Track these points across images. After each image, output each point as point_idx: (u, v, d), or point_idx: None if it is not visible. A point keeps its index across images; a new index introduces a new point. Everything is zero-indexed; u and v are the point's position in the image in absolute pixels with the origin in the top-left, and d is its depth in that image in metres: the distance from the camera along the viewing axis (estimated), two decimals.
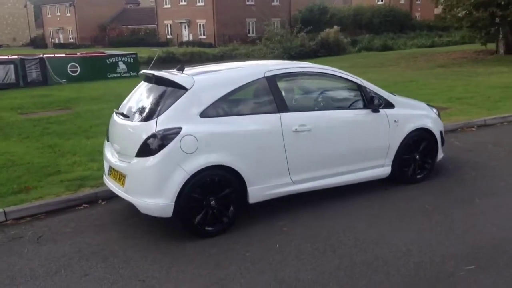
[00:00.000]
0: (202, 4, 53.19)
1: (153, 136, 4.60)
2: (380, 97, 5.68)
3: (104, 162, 5.52)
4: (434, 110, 6.42)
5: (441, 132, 6.26)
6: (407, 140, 5.87)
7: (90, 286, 4.00)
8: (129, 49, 33.59)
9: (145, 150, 4.63)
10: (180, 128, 4.60)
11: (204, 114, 4.76)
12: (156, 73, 5.16)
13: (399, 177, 5.90)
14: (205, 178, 4.67)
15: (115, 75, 21.53)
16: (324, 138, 5.31)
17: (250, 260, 4.29)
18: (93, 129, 9.80)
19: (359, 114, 5.61)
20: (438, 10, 69.95)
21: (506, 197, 5.53)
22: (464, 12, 18.78)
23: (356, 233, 4.73)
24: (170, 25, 58.04)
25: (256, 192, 4.97)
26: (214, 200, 4.74)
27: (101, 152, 7.76)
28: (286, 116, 5.11)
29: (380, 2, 64.61)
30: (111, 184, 5.25)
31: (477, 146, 7.66)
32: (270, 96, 5.13)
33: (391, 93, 6.10)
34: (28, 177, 6.76)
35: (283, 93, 5.31)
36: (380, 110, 5.66)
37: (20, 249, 4.77)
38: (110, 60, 21.68)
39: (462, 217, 5.01)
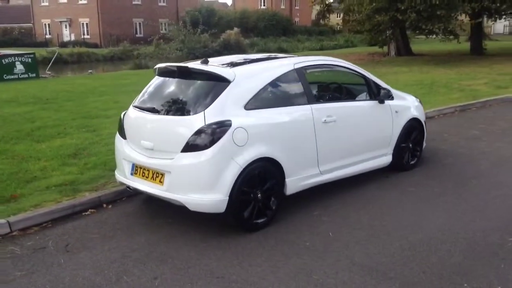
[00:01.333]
0: (85, 2, 50.57)
1: (204, 129, 4.45)
2: (385, 89, 6.04)
3: (123, 162, 5.17)
4: (418, 100, 6.95)
5: (424, 122, 6.80)
6: (404, 130, 6.30)
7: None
8: (5, 49, 30.83)
9: (195, 144, 4.46)
10: (230, 121, 4.52)
11: (247, 106, 4.71)
12: (191, 65, 4.98)
13: (397, 165, 6.31)
14: (254, 171, 4.63)
15: (12, 76, 19.74)
16: (345, 129, 5.52)
17: (315, 249, 4.35)
18: (38, 133, 9.00)
19: (370, 105, 5.92)
20: (313, 16, 74.14)
21: (496, 176, 6.16)
22: (364, 15, 20.18)
23: (393, 218, 5.00)
24: (49, 24, 54.38)
25: (292, 184, 5.04)
26: (260, 193, 4.72)
27: (69, 155, 7.30)
28: (316, 108, 5.24)
29: (263, 7, 66.77)
30: (138, 184, 4.96)
31: (434, 136, 8.39)
32: (300, 88, 5.23)
33: None
34: (4, 185, 6.09)
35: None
36: (385, 101, 6.02)
37: (54, 260, 4.34)
38: (6, 61, 19.82)
39: (472, 195, 5.53)
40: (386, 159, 6.16)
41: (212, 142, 4.43)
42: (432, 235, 4.57)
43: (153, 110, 4.97)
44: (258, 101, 4.82)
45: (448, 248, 4.30)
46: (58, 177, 6.37)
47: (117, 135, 5.40)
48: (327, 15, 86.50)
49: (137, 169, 4.99)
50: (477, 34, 22.61)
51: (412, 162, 6.52)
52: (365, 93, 6.00)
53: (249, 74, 4.95)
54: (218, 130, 4.44)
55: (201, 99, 4.75)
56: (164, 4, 55.45)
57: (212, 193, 4.46)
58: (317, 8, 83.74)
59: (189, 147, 4.49)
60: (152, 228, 4.97)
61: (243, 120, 4.60)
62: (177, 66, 5.09)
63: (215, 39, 28.60)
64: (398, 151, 6.25)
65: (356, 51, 29.64)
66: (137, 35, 50.67)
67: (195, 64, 5.02)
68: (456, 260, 4.07)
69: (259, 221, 4.75)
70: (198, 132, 4.47)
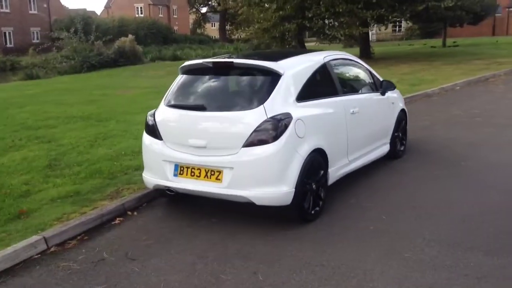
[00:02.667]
0: None
1: (268, 123, 4.44)
2: (387, 81, 6.46)
3: (162, 164, 4.90)
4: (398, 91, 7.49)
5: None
6: (397, 119, 6.78)
7: (277, 281, 3.75)
8: None
9: (260, 138, 4.43)
10: (290, 113, 4.56)
11: (298, 99, 4.79)
12: (238, 61, 4.90)
13: (392, 153, 6.76)
14: (311, 162, 4.71)
15: None
16: (364, 120, 5.81)
17: (385, 232, 4.52)
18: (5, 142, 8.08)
19: (377, 97, 6.28)
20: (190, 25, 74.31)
21: (485, 158, 6.82)
22: (268, 24, 20.86)
23: (427, 198, 5.35)
24: None
25: (332, 174, 5.20)
26: (314, 184, 4.82)
27: (45, 167, 6.68)
28: (345, 99, 5.47)
29: (141, 15, 65.47)
30: (185, 184, 4.75)
31: None
32: (332, 80, 5.42)
33: None
34: None
35: None
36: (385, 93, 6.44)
37: (125, 269, 4.04)
38: None
39: (471, 176, 6.11)
40: (386, 147, 6.57)
41: (278, 135, 4.43)
42: (476, 208, 5.01)
43: (200, 108, 4.81)
44: (304, 93, 4.90)
45: (494, 217, 4.76)
46: (55, 189, 5.84)
47: (148, 137, 5.12)
48: (203, 24, 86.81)
49: (183, 169, 4.79)
50: (366, 39, 24.51)
51: (401, 150, 7.02)
52: (373, 85, 6.33)
53: (294, 67, 5.01)
54: (282, 123, 4.46)
55: (255, 94, 4.73)
56: (35, 12, 51.75)
57: (280, 186, 4.46)
58: (193, 17, 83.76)
59: (253, 142, 4.44)
60: (203, 228, 4.80)
61: (298, 112, 4.66)
62: (219, 62, 4.99)
63: (109, 46, 27.45)
64: (393, 140, 6.70)
65: None
66: (7, 45, 46.64)
67: (242, 59, 4.96)
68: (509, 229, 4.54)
69: (313, 212, 4.84)
70: (262, 126, 4.44)
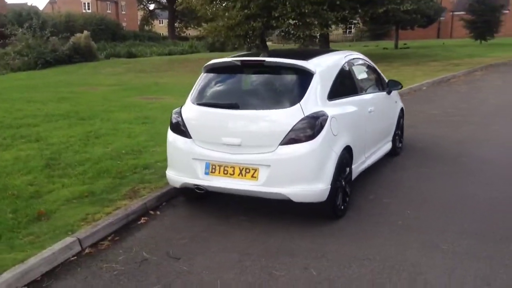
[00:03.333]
0: None
1: (306, 121, 4.51)
2: (394, 81, 6.66)
3: (192, 162, 4.85)
4: None
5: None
6: (398, 118, 7.01)
7: (331, 275, 3.83)
8: None
9: (298, 136, 4.49)
10: (325, 112, 4.64)
11: (329, 97, 4.88)
12: (270, 59, 4.91)
13: (393, 150, 6.99)
14: (341, 159, 4.82)
15: None
16: (378, 118, 5.98)
17: (415, 226, 4.68)
18: None
19: (385, 96, 6.48)
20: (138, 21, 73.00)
21: (479, 154, 7.15)
22: (233, 22, 20.86)
23: (437, 194, 5.58)
24: None
25: (354, 170, 5.33)
26: (343, 181, 4.93)
27: (44, 167, 6.44)
28: (364, 98, 5.62)
29: (88, 11, 63.63)
30: (218, 182, 4.74)
31: None
32: (353, 79, 5.55)
33: None
34: (8, 202, 5.23)
35: None
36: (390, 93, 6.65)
37: (174, 268, 4.01)
38: None
39: (473, 171, 6.42)
40: (390, 145, 6.78)
41: (315, 134, 4.51)
42: (486, 200, 5.29)
43: (234, 106, 4.81)
44: (334, 92, 5.00)
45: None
46: (66, 189, 5.65)
47: (174, 136, 5.05)
48: (151, 21, 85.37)
49: (215, 168, 4.77)
50: (326, 40, 24.98)
51: (400, 147, 7.27)
52: (377, 84, 6.51)
53: (324, 65, 5.09)
54: (319, 121, 4.54)
55: (288, 92, 4.78)
56: None
57: (317, 183, 4.54)
58: (141, 13, 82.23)
59: (291, 139, 4.50)
60: (235, 226, 4.81)
61: (331, 110, 4.75)
62: (249, 61, 5.01)
63: (64, 43, 26.48)
64: (394, 137, 6.93)
65: (211, 56, 30.37)
66: None
67: (273, 58, 4.99)
68: None
69: (343, 208, 4.95)
70: (299, 125, 4.50)
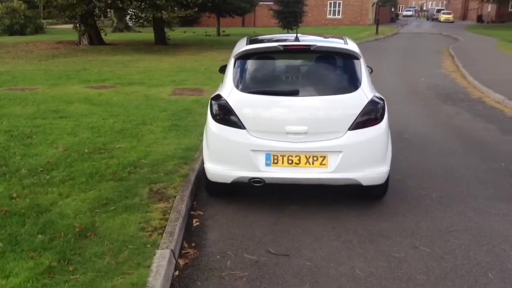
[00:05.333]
0: None
1: (372, 105, 4.62)
2: None
3: (250, 154, 4.57)
4: None
5: None
6: None
7: (443, 250, 4.11)
8: None
9: (366, 120, 4.59)
10: (379, 95, 4.82)
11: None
12: (318, 44, 4.81)
13: None
14: None
15: None
16: None
17: (455, 202, 5.09)
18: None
19: None
20: None
21: (416, 131, 8.01)
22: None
23: (466, 184, 5.67)
24: None
25: None
26: None
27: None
28: None
29: None
30: (282, 173, 4.57)
31: None
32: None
33: None
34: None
35: None
36: None
37: (299, 265, 3.85)
38: None
39: (421, 144, 7.28)
40: None
41: (380, 117, 4.67)
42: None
43: (293, 93, 4.67)
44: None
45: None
46: (70, 198, 4.82)
47: (223, 128, 4.67)
48: None
49: (277, 158, 4.59)
50: (160, 25, 24.37)
51: None
52: None
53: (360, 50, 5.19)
54: (381, 104, 4.69)
55: (345, 77, 4.84)
56: None
57: (383, 165, 4.71)
58: None
59: (360, 124, 4.57)
60: (297, 216, 4.74)
61: (378, 94, 4.94)
62: (293, 46, 4.90)
63: None
64: None
65: (40, 39, 27.07)
66: None
67: (320, 43, 4.92)
68: None
69: None
70: (366, 109, 4.60)
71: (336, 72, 4.97)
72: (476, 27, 47.53)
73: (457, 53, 20.72)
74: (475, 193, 5.34)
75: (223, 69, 5.57)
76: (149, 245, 3.87)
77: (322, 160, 4.58)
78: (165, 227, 4.19)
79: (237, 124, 4.64)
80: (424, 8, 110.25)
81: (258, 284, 3.57)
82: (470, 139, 7.66)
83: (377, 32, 35.53)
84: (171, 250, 3.80)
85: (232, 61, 4.97)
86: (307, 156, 4.58)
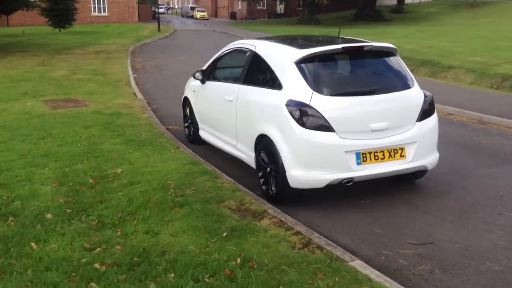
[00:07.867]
0: None
1: (427, 97, 5.20)
2: None
3: (342, 156, 4.70)
4: None
5: None
6: None
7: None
8: None
9: (427, 111, 5.15)
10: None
11: None
12: (368, 44, 5.18)
13: None
14: None
15: None
16: None
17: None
18: None
19: None
20: None
21: None
22: None
23: (472, 182, 5.90)
24: None
25: None
26: None
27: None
28: None
29: None
30: (371, 170, 4.82)
31: None
32: None
33: None
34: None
35: None
36: None
37: (459, 254, 4.16)
38: None
39: None
40: None
41: (433, 107, 5.29)
42: None
43: (371, 92, 4.94)
44: None
45: None
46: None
47: (313, 133, 4.68)
48: None
49: (365, 156, 4.79)
50: None
51: None
52: None
53: None
54: (431, 96, 5.31)
55: (399, 73, 5.26)
56: None
57: (436, 151, 5.33)
58: None
59: (423, 115, 5.10)
60: (376, 210, 4.97)
61: None
62: (349, 47, 5.17)
63: None
64: None
65: None
66: None
67: (368, 43, 5.25)
68: None
69: None
70: (425, 101, 5.16)
71: (391, 69, 5.31)
72: (236, 23, 51.47)
73: None
74: None
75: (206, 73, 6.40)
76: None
77: (401, 152, 4.95)
78: None
79: (328, 127, 4.68)
80: (171, 6, 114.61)
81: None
82: None
83: (159, 30, 35.58)
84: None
85: (291, 65, 4.95)
86: (389, 150, 4.90)
